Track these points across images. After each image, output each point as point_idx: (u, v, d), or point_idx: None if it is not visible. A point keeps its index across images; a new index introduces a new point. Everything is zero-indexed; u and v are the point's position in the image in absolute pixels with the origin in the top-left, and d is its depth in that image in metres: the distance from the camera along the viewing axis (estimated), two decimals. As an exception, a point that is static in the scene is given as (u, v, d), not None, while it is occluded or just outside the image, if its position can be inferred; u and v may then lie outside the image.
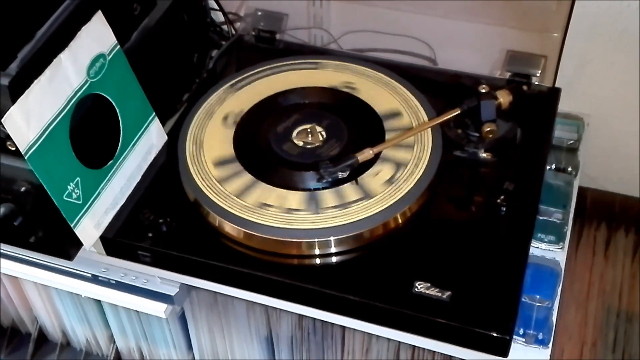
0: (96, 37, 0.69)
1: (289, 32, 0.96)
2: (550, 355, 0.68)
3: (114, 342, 0.95)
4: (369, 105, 0.81)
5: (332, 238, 0.70)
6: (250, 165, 0.76)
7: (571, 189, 0.82)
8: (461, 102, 0.77)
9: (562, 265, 0.75)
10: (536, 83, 0.85)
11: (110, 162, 0.74)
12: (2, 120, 0.62)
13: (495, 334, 0.64)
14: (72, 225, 0.70)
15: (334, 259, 0.70)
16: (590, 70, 0.91)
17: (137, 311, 0.85)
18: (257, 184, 0.74)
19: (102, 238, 0.74)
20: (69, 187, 0.69)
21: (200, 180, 0.75)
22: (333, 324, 0.75)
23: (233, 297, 0.76)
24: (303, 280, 0.69)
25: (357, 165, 0.73)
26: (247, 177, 0.75)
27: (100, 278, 0.81)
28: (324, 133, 0.79)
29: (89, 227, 0.72)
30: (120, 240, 0.74)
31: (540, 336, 0.69)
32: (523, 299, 0.71)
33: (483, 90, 0.77)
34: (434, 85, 0.87)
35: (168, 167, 0.79)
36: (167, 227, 0.73)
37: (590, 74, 0.91)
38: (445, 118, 0.77)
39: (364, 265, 0.70)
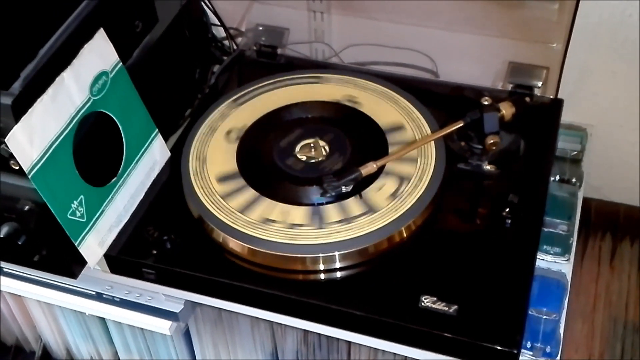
0: (98, 54, 0.69)
1: (290, 46, 0.96)
2: (558, 368, 0.68)
3: (118, 359, 0.95)
4: (371, 118, 0.81)
5: (336, 253, 0.69)
6: (254, 180, 0.76)
7: (576, 200, 0.82)
8: (464, 115, 0.77)
9: (568, 277, 0.75)
10: (538, 94, 0.85)
11: (114, 179, 0.73)
12: (6, 140, 0.62)
13: (503, 348, 0.63)
14: (76, 244, 0.70)
15: (338, 274, 0.70)
16: (592, 80, 0.91)
17: (142, 328, 0.84)
18: (261, 200, 0.74)
19: (106, 256, 0.74)
20: (72, 205, 0.68)
21: (204, 196, 0.75)
22: (339, 339, 0.75)
23: (238, 313, 0.76)
24: (308, 296, 0.68)
25: (360, 179, 0.73)
26: (251, 193, 0.75)
27: (104, 296, 0.81)
28: (327, 147, 0.79)
29: (93, 245, 0.72)
30: (124, 257, 0.74)
31: (548, 349, 0.69)
32: (530, 312, 0.71)
33: (485, 103, 0.77)
34: (436, 98, 0.87)
35: (171, 183, 0.79)
36: (171, 244, 0.73)
37: (593, 84, 0.91)
38: (448, 131, 0.77)
39: (369, 280, 0.69)
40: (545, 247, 0.76)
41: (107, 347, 0.94)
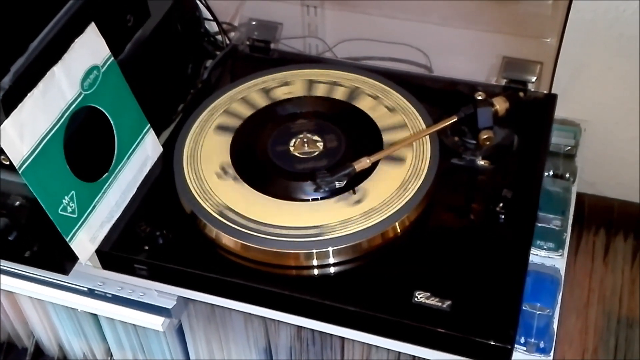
0: (90, 49, 0.69)
1: (283, 41, 0.96)
2: (551, 364, 0.68)
3: (111, 355, 0.95)
4: (365, 113, 0.81)
5: (330, 249, 0.69)
6: (248, 176, 0.76)
7: (569, 195, 0.81)
8: (458, 110, 0.77)
9: (562, 272, 0.75)
10: (532, 89, 0.85)
11: (105, 175, 0.73)
12: (-4, 135, 0.61)
13: (496, 343, 0.63)
14: (67, 239, 0.69)
15: (332, 270, 0.70)
16: (586, 75, 0.91)
17: (134, 325, 0.84)
18: (254, 195, 0.74)
19: (98, 252, 0.73)
20: (63, 200, 0.68)
21: (197, 192, 0.74)
22: (332, 334, 0.74)
23: (231, 309, 0.76)
24: (301, 292, 0.68)
25: (354, 174, 0.73)
26: (244, 188, 0.74)
27: (96, 292, 0.80)
28: (321, 142, 0.78)
29: (85, 241, 0.71)
30: (116, 253, 0.73)
31: (542, 344, 0.69)
32: (524, 307, 0.71)
33: (479, 98, 0.77)
34: (430, 93, 0.87)
35: (164, 179, 0.78)
36: (164, 240, 0.73)
37: (587, 79, 0.91)
38: (442, 126, 0.77)
39: (362, 275, 0.69)
40: (539, 242, 0.76)
41: (99, 344, 0.94)
